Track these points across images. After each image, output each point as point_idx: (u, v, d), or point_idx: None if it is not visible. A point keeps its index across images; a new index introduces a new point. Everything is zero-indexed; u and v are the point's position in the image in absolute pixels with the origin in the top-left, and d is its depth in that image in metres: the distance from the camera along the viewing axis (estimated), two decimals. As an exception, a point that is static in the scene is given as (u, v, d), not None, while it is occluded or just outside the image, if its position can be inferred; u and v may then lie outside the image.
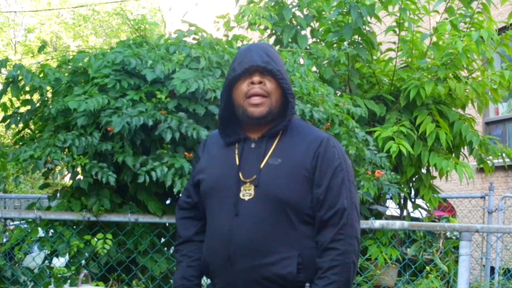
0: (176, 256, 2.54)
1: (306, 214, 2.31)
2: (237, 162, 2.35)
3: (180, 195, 3.24)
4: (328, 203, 2.28)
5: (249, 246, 2.27)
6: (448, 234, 5.59)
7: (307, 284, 2.29)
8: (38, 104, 4.06)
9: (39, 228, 4.03)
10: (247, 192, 2.30)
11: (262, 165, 2.31)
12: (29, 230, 4.02)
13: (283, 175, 2.29)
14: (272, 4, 5.79)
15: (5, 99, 4.09)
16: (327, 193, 2.28)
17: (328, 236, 2.26)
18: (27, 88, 3.97)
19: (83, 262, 3.95)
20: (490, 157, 5.78)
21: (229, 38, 4.67)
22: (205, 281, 2.87)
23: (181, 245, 2.53)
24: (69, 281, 3.91)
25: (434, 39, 5.67)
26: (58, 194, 4.15)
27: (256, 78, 2.31)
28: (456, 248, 4.84)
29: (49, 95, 4.04)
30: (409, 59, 5.83)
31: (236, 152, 2.37)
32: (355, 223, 2.30)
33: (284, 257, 2.26)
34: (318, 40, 5.89)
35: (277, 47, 5.49)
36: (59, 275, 3.93)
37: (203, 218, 2.48)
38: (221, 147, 2.44)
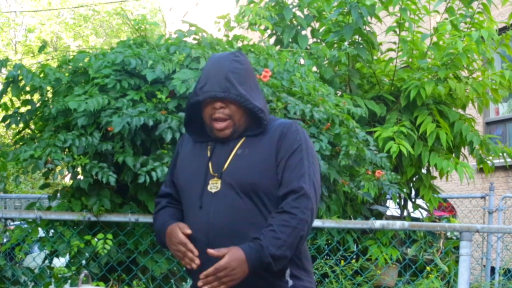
0: (156, 207, 2.61)
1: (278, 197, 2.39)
2: (208, 157, 2.47)
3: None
4: (285, 181, 2.36)
5: (227, 232, 2.35)
6: (448, 234, 5.60)
7: (288, 272, 2.37)
8: (38, 104, 4.06)
9: (40, 228, 4.04)
10: (214, 185, 2.41)
11: (230, 158, 2.43)
12: (30, 230, 4.02)
13: (252, 162, 2.40)
14: (273, 4, 5.79)
15: (5, 99, 4.09)
16: (284, 171, 2.38)
17: (284, 204, 2.32)
18: (28, 88, 3.97)
19: (83, 262, 3.95)
20: (490, 157, 5.78)
21: (230, 38, 4.67)
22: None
23: (161, 197, 2.63)
24: (69, 281, 3.91)
25: (435, 39, 5.67)
26: (58, 194, 4.15)
27: (217, 104, 2.43)
28: (457, 248, 4.84)
29: (50, 95, 4.04)
30: (410, 59, 5.83)
31: (209, 148, 2.50)
32: (311, 197, 2.36)
33: None
34: (319, 40, 5.89)
35: (278, 47, 5.49)
36: (59, 275, 3.93)
37: (180, 205, 2.58)
38: (195, 143, 2.56)
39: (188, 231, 2.38)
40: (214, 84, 2.41)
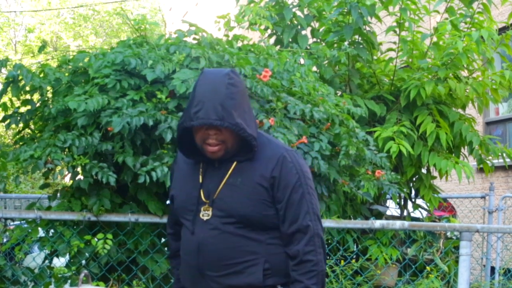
0: (170, 251, 2.78)
1: (271, 225, 2.43)
2: (200, 182, 2.48)
3: None
4: (289, 218, 2.41)
5: (216, 259, 2.41)
6: (448, 234, 5.59)
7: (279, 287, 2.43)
8: (38, 104, 4.06)
9: (40, 228, 4.04)
10: (206, 213, 2.44)
11: (221, 186, 2.44)
12: (30, 230, 4.02)
13: (244, 193, 2.41)
14: (273, 4, 5.79)
15: (5, 99, 4.09)
16: (287, 208, 2.41)
17: (299, 250, 2.39)
18: (27, 88, 3.97)
19: (83, 262, 3.95)
20: (490, 157, 5.78)
21: (230, 38, 4.66)
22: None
23: (171, 259, 2.77)
24: (69, 281, 3.91)
25: (435, 39, 5.67)
26: (58, 194, 4.15)
27: (211, 131, 2.40)
28: (457, 248, 4.84)
29: (49, 95, 4.04)
30: (410, 59, 5.83)
31: (200, 171, 2.50)
32: (319, 232, 2.44)
33: (250, 265, 2.39)
34: (319, 40, 5.89)
35: (278, 47, 5.49)
36: (59, 275, 3.93)
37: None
38: (189, 163, 2.56)
39: None
40: (210, 110, 2.34)
